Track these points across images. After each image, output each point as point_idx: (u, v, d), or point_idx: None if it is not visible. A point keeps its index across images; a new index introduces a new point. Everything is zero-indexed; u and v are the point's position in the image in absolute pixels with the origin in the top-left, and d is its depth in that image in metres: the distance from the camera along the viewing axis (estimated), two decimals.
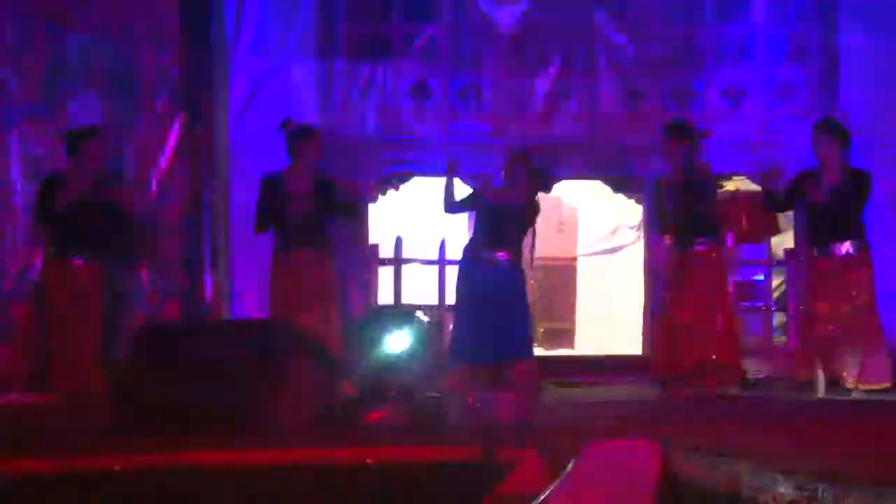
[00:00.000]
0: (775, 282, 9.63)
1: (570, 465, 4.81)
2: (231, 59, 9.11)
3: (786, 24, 9.64)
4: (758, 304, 9.87)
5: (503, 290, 8.12)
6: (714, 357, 8.10)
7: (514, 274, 8.21)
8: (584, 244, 11.06)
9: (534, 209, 8.19)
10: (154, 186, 9.31)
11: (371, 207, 9.51)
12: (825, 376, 7.90)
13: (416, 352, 6.49)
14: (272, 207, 7.99)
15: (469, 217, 8.64)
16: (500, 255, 8.11)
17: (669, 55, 9.66)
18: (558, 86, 9.59)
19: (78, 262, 8.06)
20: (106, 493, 5.15)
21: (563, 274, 11.23)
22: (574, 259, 11.18)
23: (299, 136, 8.11)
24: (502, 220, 8.09)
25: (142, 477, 5.18)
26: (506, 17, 9.61)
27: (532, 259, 10.61)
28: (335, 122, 9.29)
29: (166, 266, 9.27)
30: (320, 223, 8.12)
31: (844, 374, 7.82)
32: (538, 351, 10.29)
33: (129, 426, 6.07)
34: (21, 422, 7.33)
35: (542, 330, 11.04)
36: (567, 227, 11.35)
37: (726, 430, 5.87)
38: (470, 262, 8.22)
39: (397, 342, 6.46)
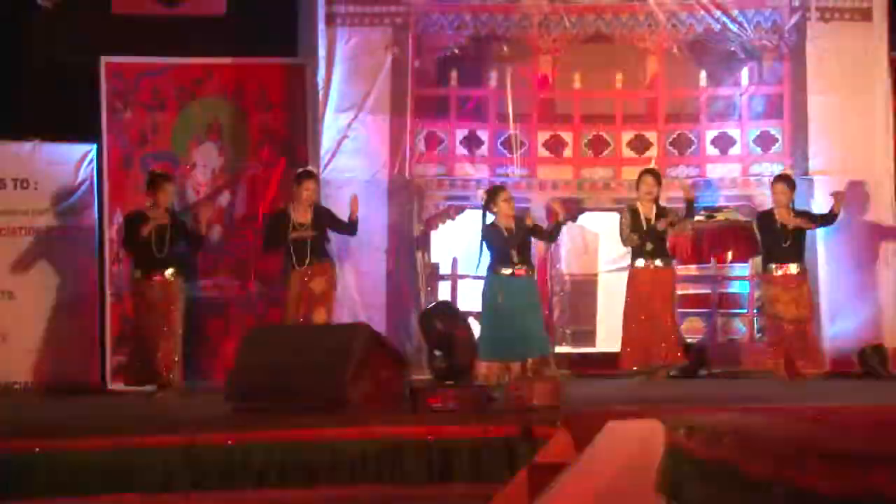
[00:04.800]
0: (757, 293, 9.51)
1: (592, 441, 4.76)
2: (321, 117, 9.14)
3: (765, 86, 9.56)
4: (742, 311, 9.75)
5: (521, 297, 8.11)
6: (663, 345, 8.46)
7: (529, 283, 8.23)
8: (604, 263, 11.02)
9: (522, 229, 8.18)
10: (261, 217, 9.35)
11: (433, 234, 9.54)
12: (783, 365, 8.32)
13: (467, 349, 6.46)
14: (277, 238, 8.12)
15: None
16: (518, 269, 8.14)
17: (672, 111, 9.59)
18: (582, 135, 9.55)
19: (157, 279, 8.05)
20: (222, 463, 5.16)
21: (587, 286, 11.20)
22: (595, 275, 11.15)
23: (301, 176, 8.23)
24: (507, 243, 8.14)
25: (251, 450, 5.19)
26: (539, 82, 9.61)
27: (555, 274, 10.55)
28: (405, 166, 9.32)
29: (271, 279, 9.31)
30: (319, 245, 8.15)
31: (797, 363, 8.29)
32: (565, 349, 10.26)
33: (241, 407, 6.09)
34: (135, 406, 7.40)
35: (569, 331, 10.99)
36: (590, 250, 11.32)
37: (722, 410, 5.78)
38: (493, 277, 8.21)
39: (452, 341, 6.43)
